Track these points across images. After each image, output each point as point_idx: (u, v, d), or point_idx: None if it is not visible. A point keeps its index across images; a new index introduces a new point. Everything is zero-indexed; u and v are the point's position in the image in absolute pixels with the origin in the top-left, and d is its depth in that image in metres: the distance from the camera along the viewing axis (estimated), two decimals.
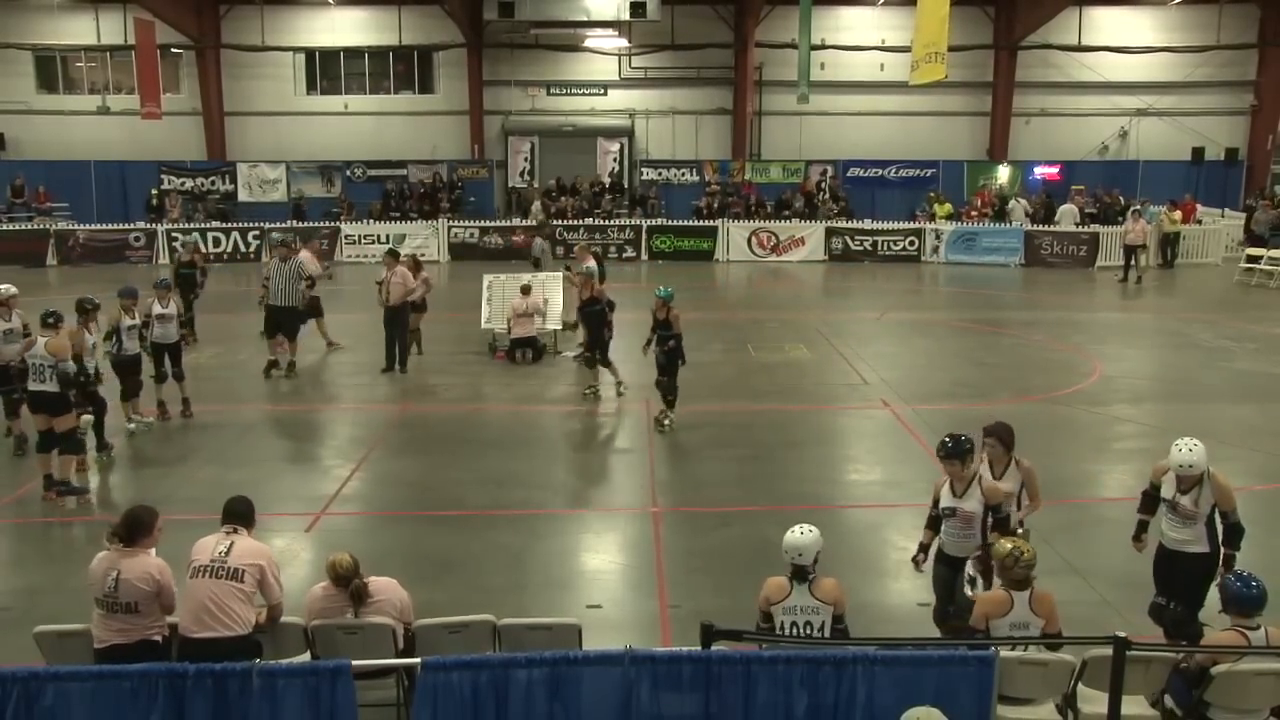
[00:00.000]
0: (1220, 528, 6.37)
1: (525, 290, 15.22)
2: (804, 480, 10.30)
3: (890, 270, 25.12)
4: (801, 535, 5.56)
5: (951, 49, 28.08)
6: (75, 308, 10.55)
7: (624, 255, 26.01)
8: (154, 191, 28.14)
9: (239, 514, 5.67)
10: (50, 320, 9.70)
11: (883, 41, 29.42)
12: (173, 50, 29.06)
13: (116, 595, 5.33)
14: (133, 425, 11.33)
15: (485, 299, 16.00)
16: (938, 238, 26.31)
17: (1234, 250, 25.24)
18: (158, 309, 11.83)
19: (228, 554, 5.42)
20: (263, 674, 4.66)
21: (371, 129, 30.06)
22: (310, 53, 30.16)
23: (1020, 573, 5.46)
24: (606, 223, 26.86)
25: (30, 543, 8.91)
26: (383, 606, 5.67)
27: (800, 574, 5.52)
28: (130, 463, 10.89)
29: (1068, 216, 26.22)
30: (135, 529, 5.46)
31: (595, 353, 13.21)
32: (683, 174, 30.20)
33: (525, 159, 30.46)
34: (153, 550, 5.54)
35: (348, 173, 29.70)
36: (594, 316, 13.17)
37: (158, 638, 5.44)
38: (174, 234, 25.80)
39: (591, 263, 14.98)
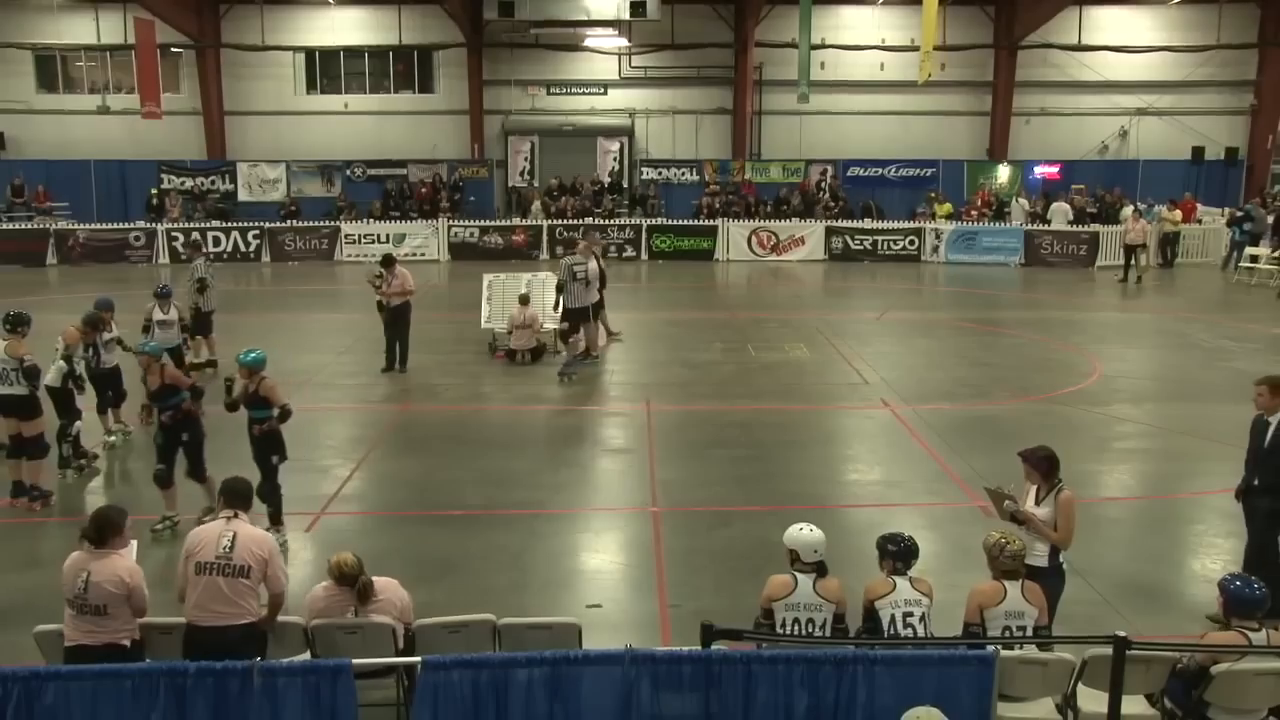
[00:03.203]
0: None
1: (524, 300, 15.18)
2: (804, 480, 10.30)
3: (890, 270, 25.13)
4: (808, 532, 5.64)
5: (951, 49, 28.35)
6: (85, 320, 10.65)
7: (624, 255, 26.02)
8: (154, 191, 28.15)
9: (239, 494, 5.72)
10: (9, 326, 9.64)
11: (883, 41, 29.43)
12: (173, 50, 29.05)
13: (86, 596, 5.31)
14: (113, 437, 11.21)
15: (485, 299, 16.00)
16: (938, 237, 26.32)
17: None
18: (159, 315, 11.97)
19: (231, 549, 5.42)
20: (263, 673, 4.67)
21: (371, 129, 30.05)
22: (310, 52, 30.14)
23: (1007, 563, 5.53)
24: (606, 222, 26.86)
25: (31, 542, 8.89)
26: (384, 606, 5.68)
27: (820, 569, 5.58)
28: (130, 463, 10.88)
29: (1059, 215, 26.28)
30: (105, 529, 5.43)
31: (164, 469, 8.98)
32: (683, 174, 30.19)
33: (525, 159, 30.45)
34: (126, 551, 5.52)
35: (348, 172, 29.69)
36: (174, 431, 8.88)
37: (126, 641, 5.40)
38: (174, 233, 25.86)
39: (592, 264, 14.89)
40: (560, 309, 14.52)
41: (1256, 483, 7.30)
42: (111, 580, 5.32)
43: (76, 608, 5.35)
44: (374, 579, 5.76)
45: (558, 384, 13.92)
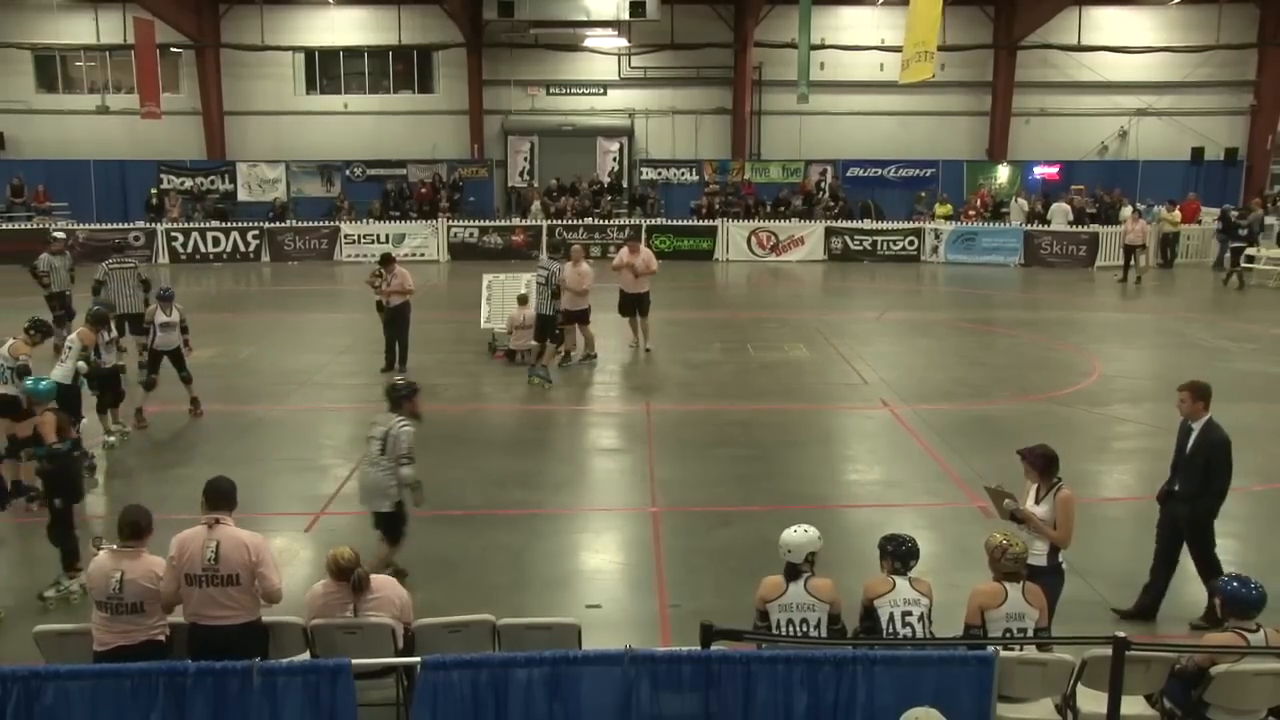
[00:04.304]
0: None
1: (523, 301, 15.18)
2: (804, 480, 10.30)
3: (890, 270, 25.14)
4: (794, 533, 5.62)
5: (951, 49, 28.31)
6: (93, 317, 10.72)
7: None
8: (153, 191, 28.12)
9: (223, 494, 5.61)
10: (27, 326, 9.63)
11: (882, 41, 29.38)
12: (172, 50, 29.02)
13: (122, 596, 5.32)
14: (112, 437, 11.22)
15: (485, 299, 15.99)
16: (937, 238, 26.33)
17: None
18: (161, 317, 11.93)
19: (217, 560, 5.38)
20: (263, 672, 4.67)
21: (371, 129, 30.04)
22: (310, 52, 30.13)
23: (1008, 565, 5.53)
24: (606, 222, 26.87)
25: (30, 541, 8.88)
26: (381, 603, 5.68)
27: (792, 571, 5.55)
28: (130, 463, 10.88)
29: (1059, 215, 26.31)
30: (142, 527, 5.47)
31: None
32: (682, 174, 30.19)
33: (525, 159, 30.45)
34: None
35: (347, 172, 29.68)
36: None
37: (161, 637, 5.44)
38: (174, 233, 25.88)
39: (585, 266, 14.76)
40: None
41: (1177, 488, 7.30)
42: (146, 577, 5.35)
43: (110, 609, 5.34)
44: (373, 576, 5.77)
45: (560, 382, 13.92)
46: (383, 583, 5.78)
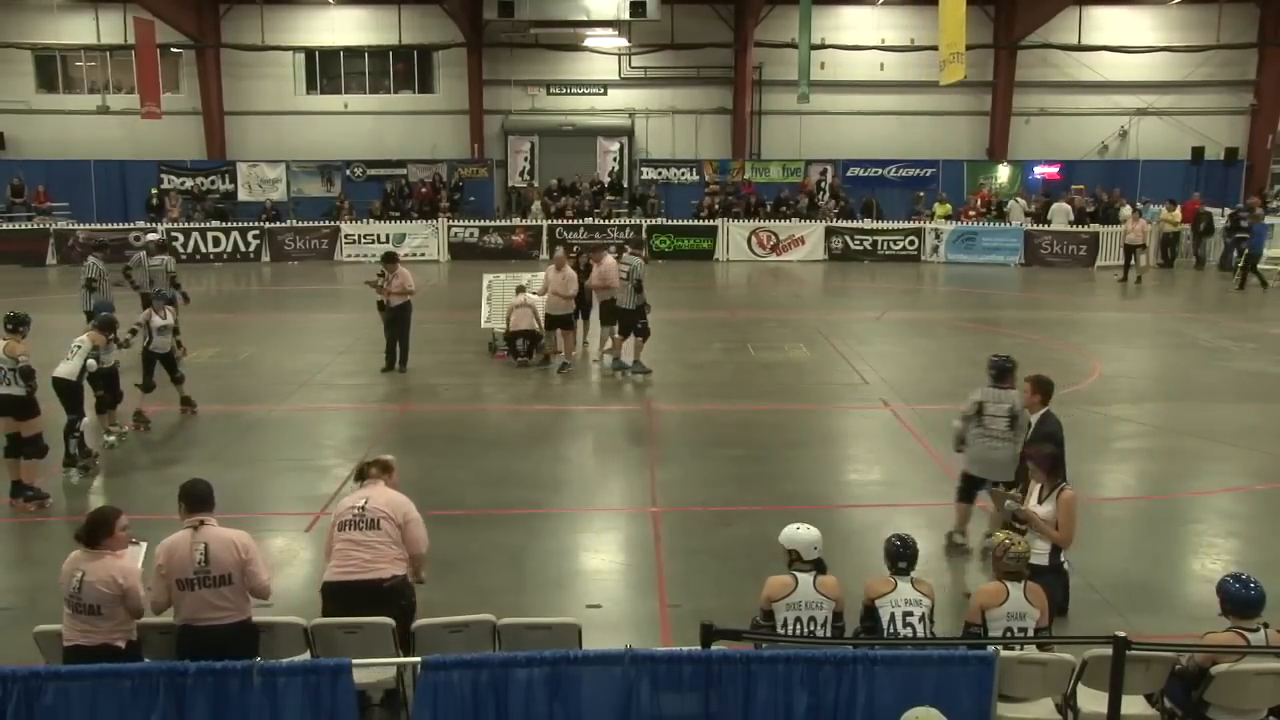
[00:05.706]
0: None
1: (520, 290, 15.21)
2: (804, 480, 10.29)
3: (890, 270, 25.14)
4: (800, 530, 5.69)
5: None
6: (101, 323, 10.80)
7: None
8: (154, 191, 28.12)
9: (202, 497, 5.59)
10: (10, 326, 9.62)
11: (883, 41, 29.43)
12: (172, 50, 29.03)
13: (80, 596, 5.28)
14: (111, 437, 11.23)
15: (485, 299, 15.99)
16: (937, 237, 26.32)
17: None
18: (157, 320, 11.91)
19: (207, 562, 5.38)
20: (263, 672, 4.67)
21: (371, 128, 30.05)
22: (310, 52, 30.13)
23: (1010, 564, 5.54)
24: (606, 222, 26.86)
25: (31, 541, 8.90)
26: (385, 505, 6.01)
27: (819, 566, 5.60)
28: (129, 462, 10.87)
29: (1060, 215, 26.31)
30: (97, 530, 5.41)
31: None
32: (682, 174, 30.19)
33: (525, 158, 30.45)
34: (127, 552, 5.49)
35: (347, 172, 29.67)
36: None
37: (121, 643, 5.35)
38: (174, 233, 25.87)
39: (569, 270, 14.67)
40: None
41: None
42: (104, 581, 5.29)
43: (72, 607, 5.34)
44: (391, 492, 6.11)
45: (560, 381, 13.93)
46: (397, 495, 6.09)
